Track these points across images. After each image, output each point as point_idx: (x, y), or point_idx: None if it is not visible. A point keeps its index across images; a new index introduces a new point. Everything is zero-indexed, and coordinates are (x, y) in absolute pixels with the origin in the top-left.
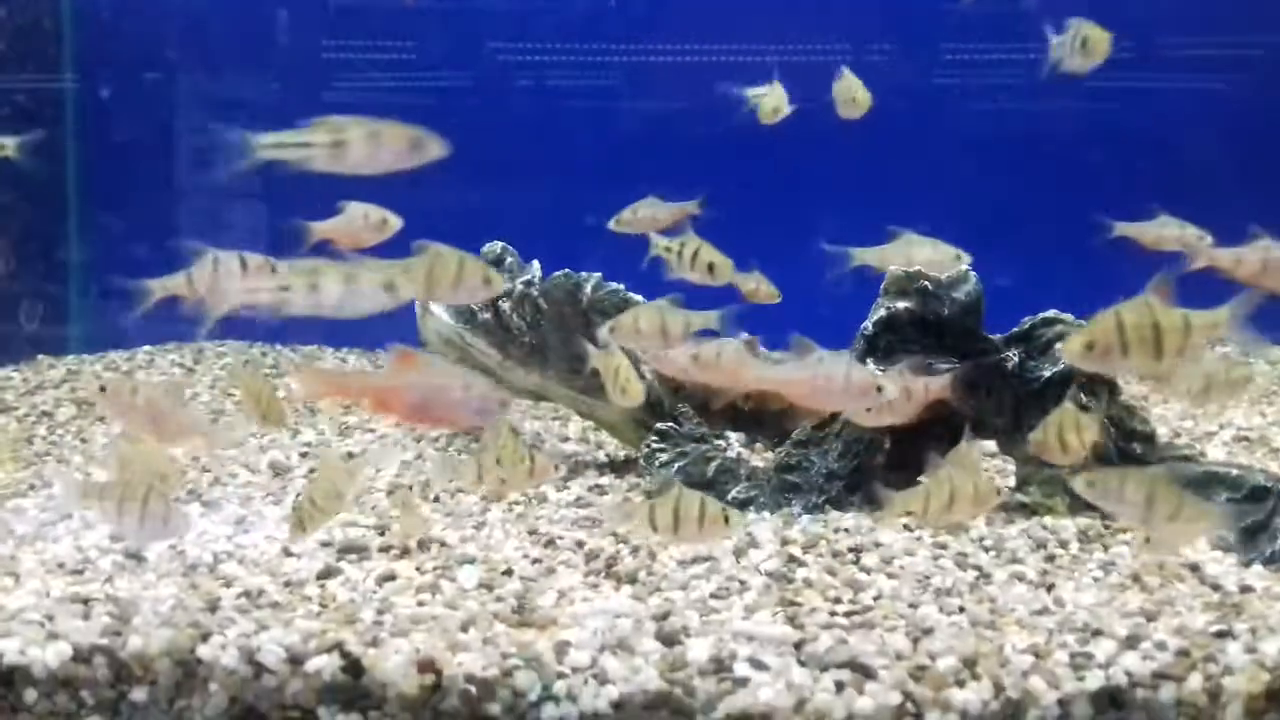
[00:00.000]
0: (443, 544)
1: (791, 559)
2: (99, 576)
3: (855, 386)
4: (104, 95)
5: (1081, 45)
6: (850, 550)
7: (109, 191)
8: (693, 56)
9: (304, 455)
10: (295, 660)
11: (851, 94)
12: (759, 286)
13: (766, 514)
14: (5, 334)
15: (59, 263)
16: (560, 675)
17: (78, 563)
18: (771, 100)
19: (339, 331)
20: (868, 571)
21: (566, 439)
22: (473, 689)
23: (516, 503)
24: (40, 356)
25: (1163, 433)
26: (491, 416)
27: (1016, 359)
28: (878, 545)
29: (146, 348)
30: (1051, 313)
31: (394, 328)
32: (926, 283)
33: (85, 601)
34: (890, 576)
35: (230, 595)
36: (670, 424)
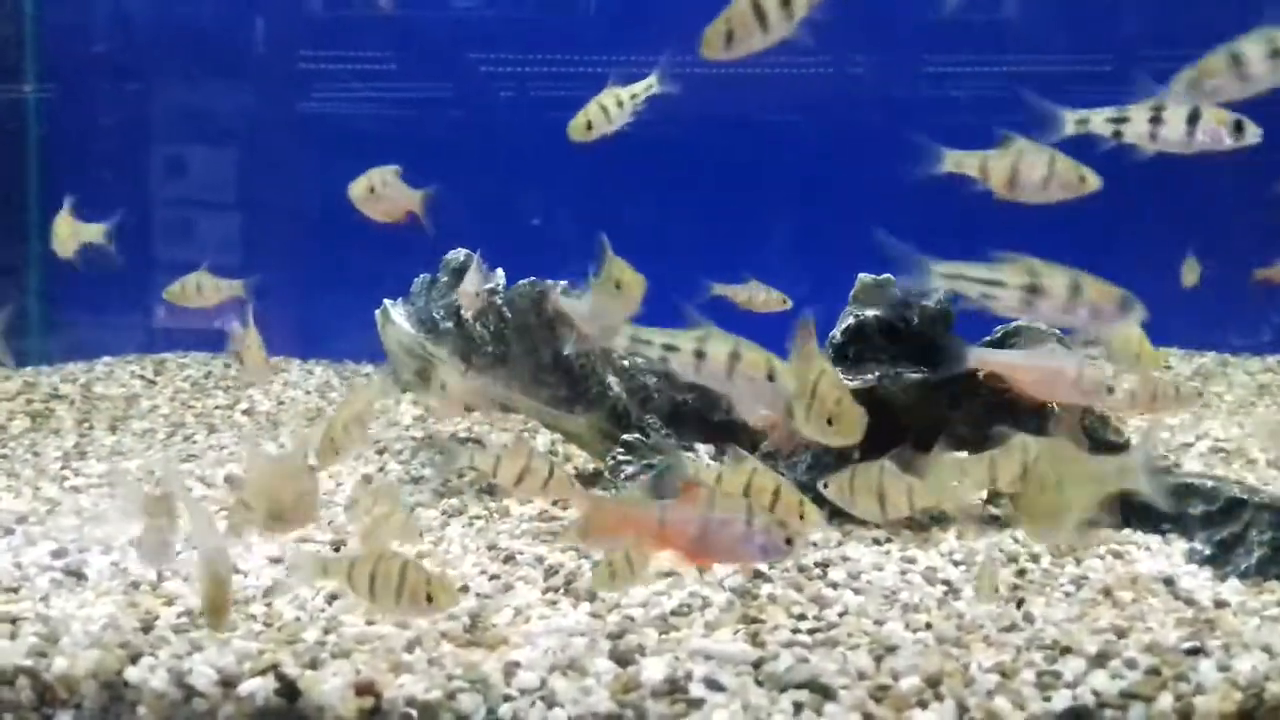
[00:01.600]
0: None
1: (757, 574)
2: (35, 594)
3: (1087, 382)
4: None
5: None
6: (817, 565)
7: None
8: (673, 68)
9: None
10: (228, 683)
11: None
12: (752, 296)
13: None
14: None
15: (19, 272)
16: (507, 698)
17: (15, 580)
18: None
19: (305, 342)
20: (834, 586)
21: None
22: (413, 713)
23: (477, 517)
24: None
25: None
26: (778, 554)
27: None
28: (845, 559)
29: (106, 359)
30: (1022, 322)
31: (357, 336)
32: (896, 291)
33: (14, 621)
34: (857, 592)
35: (170, 614)
36: (637, 435)
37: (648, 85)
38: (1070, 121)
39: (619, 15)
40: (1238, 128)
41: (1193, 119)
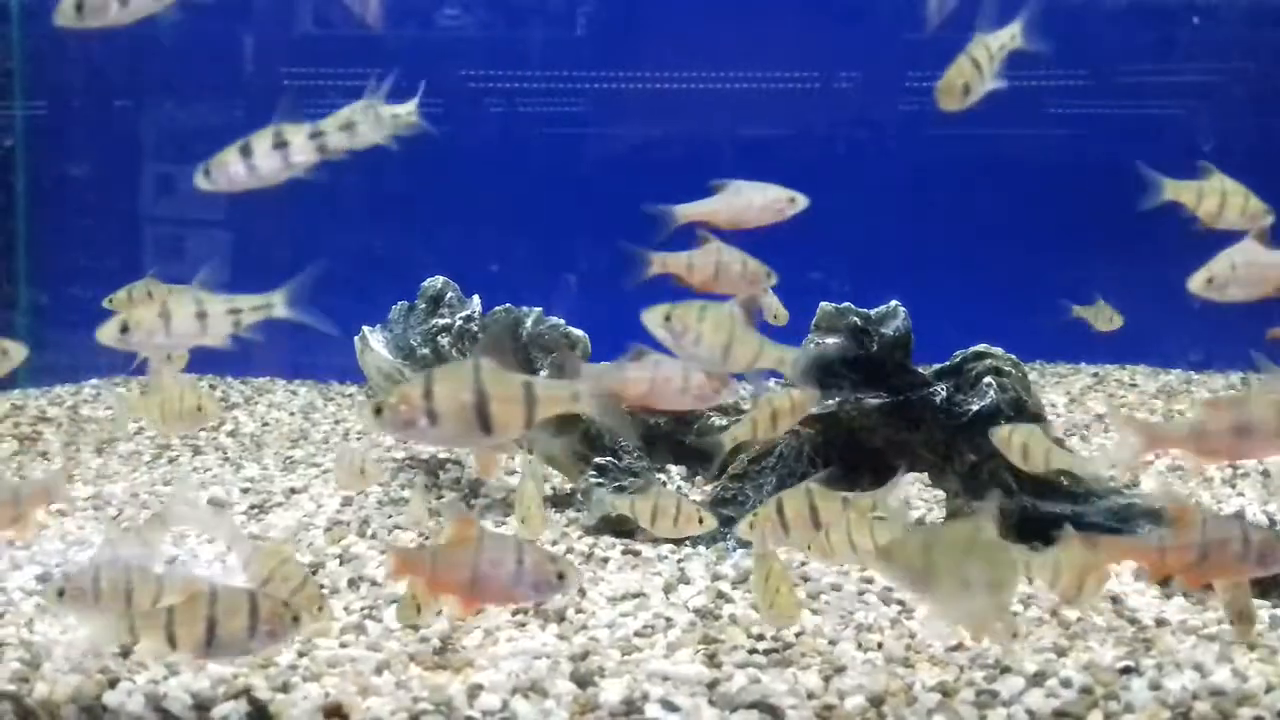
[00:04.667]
0: (374, 582)
1: (720, 595)
2: (19, 619)
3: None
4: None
5: None
6: None
7: (60, 219)
8: (661, 84)
9: (245, 491)
10: (202, 707)
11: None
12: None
13: (702, 548)
14: None
15: (8, 290)
16: (469, 719)
17: (0, 605)
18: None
19: (290, 363)
20: None
21: (511, 472)
22: None
23: None
24: None
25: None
26: (551, 590)
27: (945, 393)
28: (806, 580)
29: (94, 381)
30: (981, 346)
31: (337, 359)
32: (856, 318)
33: None
34: (815, 612)
35: None
36: (609, 458)
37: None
38: None
39: (607, 32)
40: None
41: None
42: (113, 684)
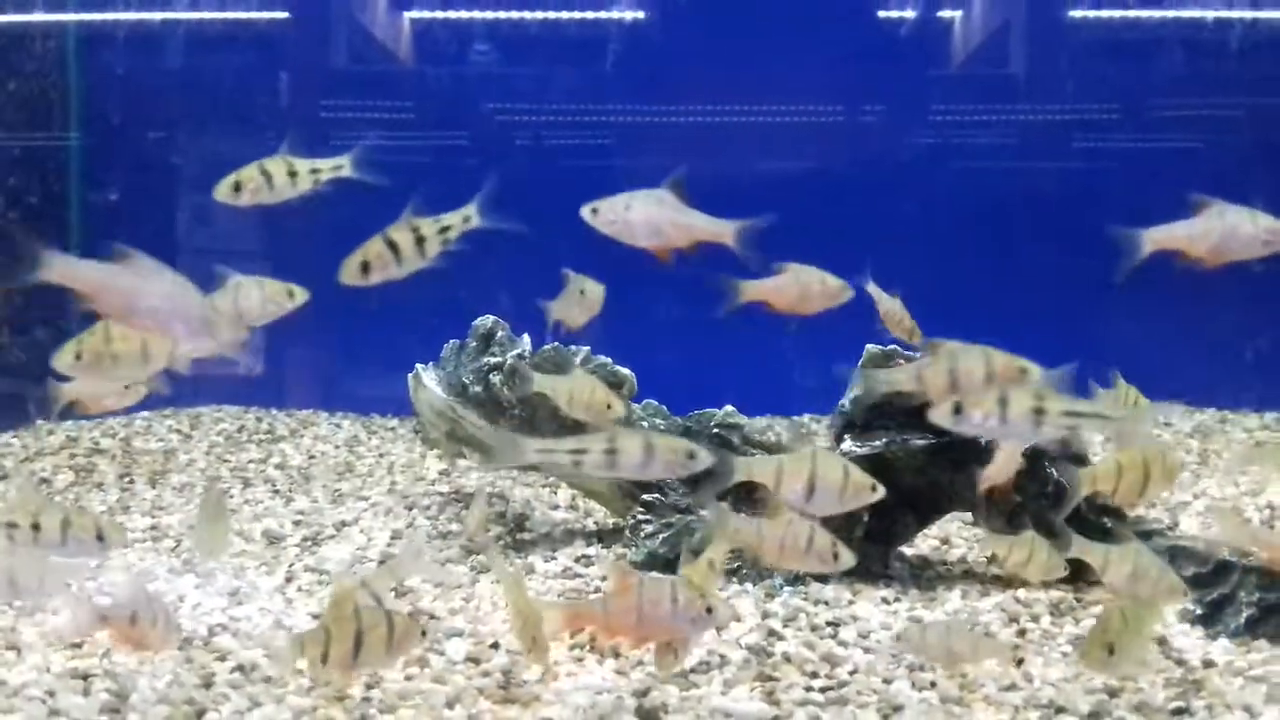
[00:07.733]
0: (432, 615)
1: (771, 633)
2: (98, 650)
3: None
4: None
5: None
6: (829, 624)
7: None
8: (689, 118)
9: (297, 524)
10: None
11: None
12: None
13: (749, 585)
14: (4, 398)
15: (61, 322)
16: None
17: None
18: None
19: (331, 395)
20: (845, 645)
21: (556, 506)
22: None
23: None
24: (40, 422)
25: None
26: (704, 624)
27: None
28: (855, 619)
29: (144, 414)
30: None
31: (386, 392)
32: (902, 359)
33: (85, 677)
34: (867, 651)
35: (225, 670)
36: (656, 495)
37: (335, 165)
38: None
39: (634, 68)
40: None
41: None
42: (200, 715)
